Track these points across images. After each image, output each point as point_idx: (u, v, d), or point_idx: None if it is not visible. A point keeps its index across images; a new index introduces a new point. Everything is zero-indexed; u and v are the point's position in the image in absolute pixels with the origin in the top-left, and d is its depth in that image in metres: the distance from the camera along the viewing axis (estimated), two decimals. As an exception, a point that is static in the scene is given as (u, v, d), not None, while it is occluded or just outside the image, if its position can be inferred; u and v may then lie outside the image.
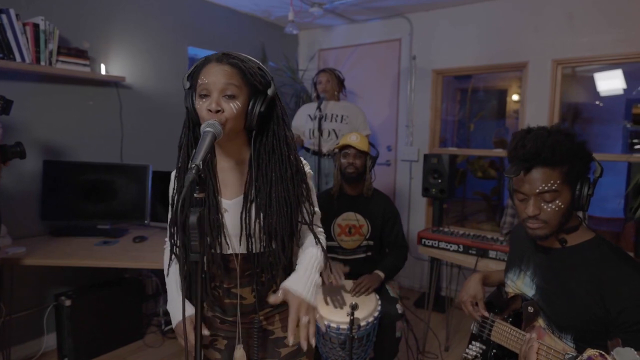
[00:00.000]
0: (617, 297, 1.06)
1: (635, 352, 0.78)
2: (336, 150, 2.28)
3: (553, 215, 1.15)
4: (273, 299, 1.04)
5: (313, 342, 1.00)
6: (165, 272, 1.18)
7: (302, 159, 1.15)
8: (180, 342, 1.12)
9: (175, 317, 1.16)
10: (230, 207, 1.10)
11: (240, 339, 1.16)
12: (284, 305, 1.14)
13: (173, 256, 1.15)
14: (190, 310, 1.11)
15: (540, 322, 1.22)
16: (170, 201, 1.12)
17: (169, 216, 1.14)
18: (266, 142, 1.07)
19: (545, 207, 1.15)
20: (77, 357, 2.41)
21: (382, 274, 2.10)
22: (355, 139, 2.21)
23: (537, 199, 1.15)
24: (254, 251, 1.09)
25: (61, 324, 2.43)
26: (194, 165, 0.87)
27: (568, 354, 1.00)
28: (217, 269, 1.11)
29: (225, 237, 1.09)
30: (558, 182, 1.12)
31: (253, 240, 1.08)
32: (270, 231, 1.07)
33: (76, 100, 2.63)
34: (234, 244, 1.10)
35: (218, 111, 0.99)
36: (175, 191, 1.11)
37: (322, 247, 1.15)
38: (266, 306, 1.15)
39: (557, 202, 1.13)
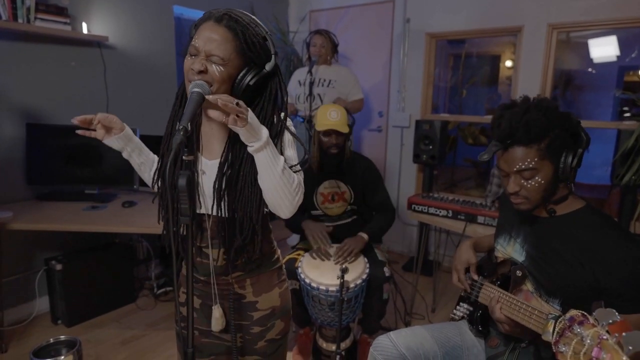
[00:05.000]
0: (607, 266, 1.07)
1: (616, 313, 0.80)
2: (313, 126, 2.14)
3: (533, 191, 1.15)
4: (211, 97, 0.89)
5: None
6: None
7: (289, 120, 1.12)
8: None
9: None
10: (209, 168, 1.07)
11: (216, 299, 1.14)
12: (255, 270, 1.15)
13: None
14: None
15: (529, 285, 1.24)
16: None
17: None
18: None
19: (525, 183, 1.15)
20: (70, 320, 2.44)
21: (365, 236, 2.10)
22: (335, 117, 2.05)
23: (516, 177, 1.15)
24: (222, 216, 1.06)
25: (53, 287, 2.44)
26: (181, 127, 0.84)
27: (551, 314, 1.03)
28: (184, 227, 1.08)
29: (200, 196, 1.07)
30: (536, 159, 1.11)
31: (223, 206, 1.05)
32: (233, 207, 1.04)
33: (57, 61, 2.52)
34: (207, 204, 1.07)
35: (201, 72, 0.95)
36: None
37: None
38: (236, 270, 1.13)
39: (537, 178, 1.13)
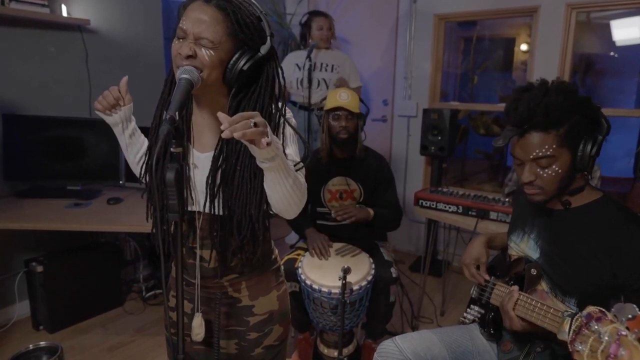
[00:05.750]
0: (625, 260, 1.07)
1: (637, 308, 0.80)
2: (323, 109, 2.18)
3: (549, 181, 1.15)
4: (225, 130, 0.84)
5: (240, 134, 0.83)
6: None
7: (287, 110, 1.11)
8: None
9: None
10: (201, 161, 1.06)
11: (199, 307, 1.13)
12: (251, 272, 1.14)
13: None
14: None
15: (543, 285, 1.24)
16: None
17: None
18: (246, 104, 1.01)
19: (541, 172, 1.15)
20: (53, 325, 2.45)
21: (371, 211, 2.13)
22: (345, 98, 2.09)
23: (532, 165, 1.15)
24: (215, 214, 1.05)
25: (34, 291, 2.44)
26: (168, 117, 0.84)
27: (567, 311, 1.03)
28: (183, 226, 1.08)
29: (191, 191, 1.06)
30: (554, 146, 1.11)
31: (216, 203, 1.04)
32: (230, 205, 1.03)
33: (35, 46, 2.51)
34: (199, 200, 1.07)
35: (190, 56, 0.94)
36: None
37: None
38: (230, 272, 1.12)
39: (554, 167, 1.13)
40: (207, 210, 1.06)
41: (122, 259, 2.90)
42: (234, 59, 0.97)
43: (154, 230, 1.09)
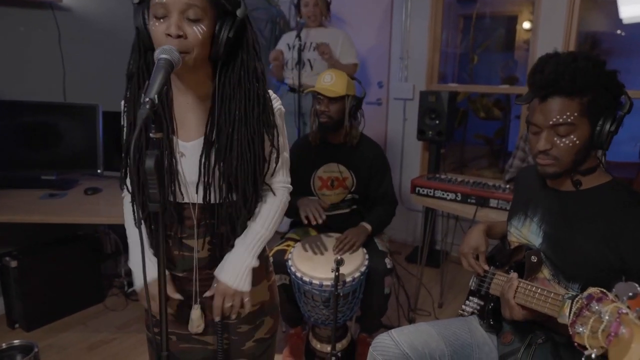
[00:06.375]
0: (633, 244, 1.10)
1: (637, 286, 0.81)
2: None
3: (566, 152, 1.16)
4: (208, 293, 1.15)
5: (233, 317, 1.17)
6: (127, 226, 1.17)
7: (271, 92, 1.12)
8: (143, 304, 1.13)
9: (139, 277, 1.14)
10: (188, 150, 1.07)
11: (197, 298, 1.16)
12: None
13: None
14: (153, 270, 1.09)
15: (545, 272, 1.26)
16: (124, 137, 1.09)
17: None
18: (232, 74, 1.03)
19: (558, 141, 1.16)
20: (29, 323, 2.44)
21: (369, 227, 2.13)
22: (328, 81, 2.08)
23: (550, 132, 1.16)
24: (212, 201, 1.08)
25: (8, 287, 2.43)
26: (147, 100, 0.83)
27: (567, 294, 1.05)
28: (169, 218, 1.10)
29: (179, 185, 1.07)
30: (575, 114, 1.12)
31: (212, 189, 1.07)
32: (230, 180, 1.05)
33: (3, 26, 2.46)
34: (190, 192, 1.09)
35: (180, 36, 0.93)
36: (125, 126, 1.07)
37: (281, 200, 1.19)
38: (220, 261, 1.15)
39: (572, 137, 1.14)
40: (199, 199, 1.08)
41: (102, 252, 2.90)
42: (217, 28, 0.98)
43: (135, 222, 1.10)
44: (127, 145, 1.08)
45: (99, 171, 2.54)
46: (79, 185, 2.53)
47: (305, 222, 2.00)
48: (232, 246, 1.14)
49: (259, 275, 1.21)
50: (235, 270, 1.11)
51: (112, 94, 2.79)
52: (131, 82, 1.05)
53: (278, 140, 1.12)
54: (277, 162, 1.14)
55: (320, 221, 1.98)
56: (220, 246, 1.14)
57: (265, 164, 1.11)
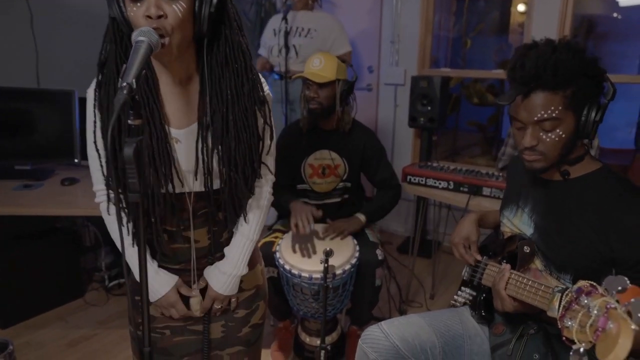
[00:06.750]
0: (623, 233, 1.11)
1: (627, 280, 0.82)
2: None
3: (552, 147, 1.17)
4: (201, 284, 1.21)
5: (217, 314, 1.23)
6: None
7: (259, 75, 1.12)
8: (166, 313, 1.20)
9: (156, 290, 1.16)
10: (183, 137, 1.07)
11: (196, 280, 1.21)
12: None
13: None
14: (170, 279, 1.17)
15: (537, 263, 1.28)
16: (88, 127, 1.07)
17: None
18: (217, 52, 1.02)
19: (544, 137, 1.17)
20: (5, 320, 2.43)
21: (363, 218, 2.14)
22: (317, 65, 2.06)
23: (535, 128, 1.17)
24: (213, 188, 1.09)
25: (-19, 283, 2.41)
26: (125, 85, 0.81)
27: (557, 287, 1.07)
28: (163, 211, 1.09)
29: (178, 174, 1.07)
30: (560, 108, 1.13)
31: (211, 175, 1.07)
32: (230, 162, 1.06)
33: (-29, 6, 2.41)
34: (188, 181, 1.09)
35: (160, 16, 0.92)
36: (96, 115, 1.05)
37: (267, 199, 1.21)
38: (220, 249, 1.20)
39: (558, 131, 1.15)
40: (197, 186, 1.09)
41: (81, 245, 2.88)
42: (197, 3, 0.96)
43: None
44: (104, 132, 1.06)
45: (76, 160, 2.51)
46: (55, 175, 2.50)
47: (294, 230, 2.00)
48: (231, 232, 1.19)
49: (254, 258, 1.26)
50: (227, 281, 1.18)
51: (88, 79, 2.75)
52: (103, 71, 1.03)
53: (270, 116, 1.13)
54: (271, 139, 1.16)
55: (308, 232, 2.00)
56: (220, 233, 1.18)
57: (260, 141, 1.12)
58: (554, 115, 1.13)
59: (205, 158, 1.05)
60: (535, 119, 1.15)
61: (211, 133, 1.05)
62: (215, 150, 1.05)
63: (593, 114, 1.15)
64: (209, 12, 0.97)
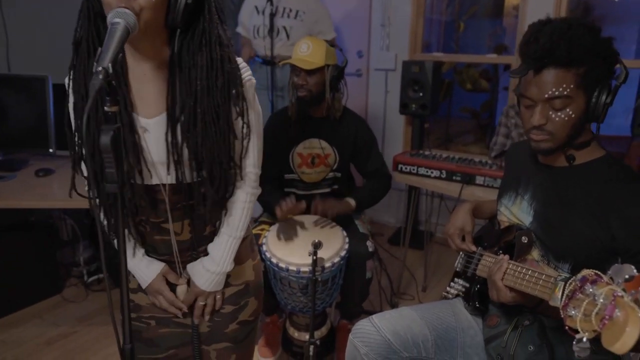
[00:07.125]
0: (625, 221, 1.13)
1: (634, 268, 0.83)
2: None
3: (561, 126, 1.17)
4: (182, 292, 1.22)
5: (207, 318, 1.24)
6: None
7: (240, 60, 1.10)
8: (154, 302, 1.22)
9: (143, 277, 1.19)
10: (152, 127, 1.05)
11: (181, 275, 1.22)
12: None
13: None
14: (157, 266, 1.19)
15: (535, 254, 1.29)
16: (67, 118, 1.07)
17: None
18: (191, 40, 1.00)
19: (553, 115, 1.17)
20: (-22, 318, 2.40)
21: (353, 202, 2.14)
22: (305, 50, 2.05)
23: (544, 106, 1.17)
24: (184, 181, 1.07)
25: (-48, 279, 2.38)
26: (100, 69, 0.79)
27: (560, 276, 1.08)
28: (140, 201, 1.09)
29: (147, 164, 1.06)
30: (572, 86, 1.14)
31: (182, 167, 1.06)
32: (197, 157, 1.04)
33: None
34: (159, 172, 1.08)
35: None
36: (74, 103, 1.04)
37: (253, 194, 1.21)
38: (204, 242, 1.19)
39: (568, 110, 1.16)
40: (171, 179, 1.07)
41: (58, 239, 2.86)
42: None
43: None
44: (78, 119, 1.05)
45: (50, 150, 2.47)
46: (29, 166, 2.47)
47: (279, 214, 2.00)
48: (215, 227, 1.19)
49: (243, 254, 1.25)
50: (211, 278, 1.18)
51: (62, 63, 2.69)
52: (79, 52, 1.01)
53: (248, 115, 1.10)
54: (249, 140, 1.13)
55: (290, 204, 1.99)
56: (202, 227, 1.17)
57: (236, 141, 1.09)
58: (565, 93, 1.14)
59: (174, 151, 1.04)
60: (546, 96, 1.15)
61: (180, 125, 1.03)
62: (185, 144, 1.04)
63: (604, 97, 1.16)
64: (186, 3, 0.95)
